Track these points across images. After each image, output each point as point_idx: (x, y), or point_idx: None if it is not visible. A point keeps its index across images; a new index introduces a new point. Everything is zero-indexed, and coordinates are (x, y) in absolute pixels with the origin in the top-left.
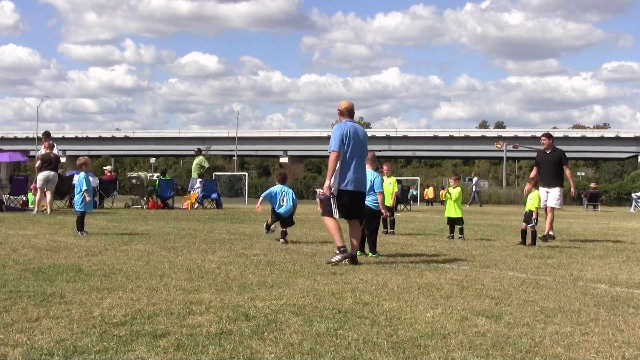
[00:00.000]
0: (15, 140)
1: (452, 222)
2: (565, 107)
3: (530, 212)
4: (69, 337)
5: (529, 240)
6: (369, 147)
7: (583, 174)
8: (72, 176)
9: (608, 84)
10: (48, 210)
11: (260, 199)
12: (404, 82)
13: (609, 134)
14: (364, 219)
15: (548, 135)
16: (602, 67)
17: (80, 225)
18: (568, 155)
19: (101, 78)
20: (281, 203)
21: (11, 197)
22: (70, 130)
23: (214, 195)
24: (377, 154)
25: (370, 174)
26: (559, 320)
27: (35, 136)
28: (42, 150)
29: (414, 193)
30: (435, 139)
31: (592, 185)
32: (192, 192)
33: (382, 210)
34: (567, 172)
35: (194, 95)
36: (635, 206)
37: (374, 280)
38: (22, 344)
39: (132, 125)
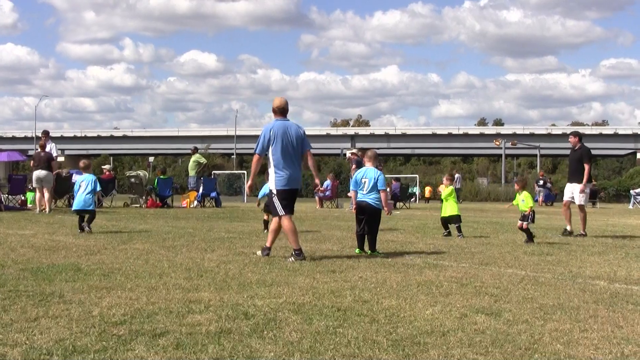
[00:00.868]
0: (13, 139)
1: (446, 220)
2: (564, 104)
3: (527, 212)
4: (68, 336)
5: (525, 237)
6: (369, 145)
7: None
8: (72, 175)
9: (607, 81)
10: (46, 209)
11: (258, 198)
12: (403, 80)
13: (607, 131)
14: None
15: (574, 134)
16: (601, 64)
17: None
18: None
19: (100, 77)
20: None
21: (9, 196)
22: (68, 129)
23: (213, 194)
24: (376, 151)
25: (373, 171)
26: (558, 317)
27: (34, 135)
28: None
29: (414, 190)
30: (434, 137)
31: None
32: (190, 190)
33: (385, 208)
34: (586, 168)
35: (192, 94)
36: (634, 203)
37: (373, 278)
38: (21, 344)
39: (131, 124)
